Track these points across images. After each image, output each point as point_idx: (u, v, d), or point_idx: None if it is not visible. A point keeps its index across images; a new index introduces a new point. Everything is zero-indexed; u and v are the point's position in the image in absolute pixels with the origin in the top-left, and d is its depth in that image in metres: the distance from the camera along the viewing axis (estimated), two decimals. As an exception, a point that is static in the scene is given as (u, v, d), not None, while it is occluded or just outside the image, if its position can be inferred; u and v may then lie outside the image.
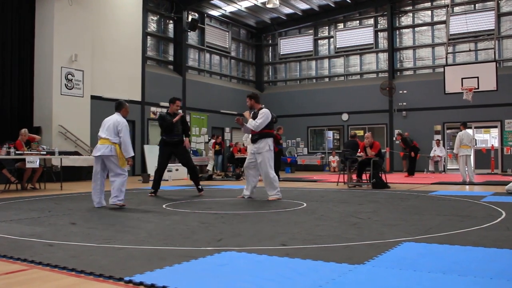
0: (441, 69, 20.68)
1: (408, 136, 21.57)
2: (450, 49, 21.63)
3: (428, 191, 10.77)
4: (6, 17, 15.95)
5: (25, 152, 11.45)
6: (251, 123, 8.76)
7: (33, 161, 10.98)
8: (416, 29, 23.58)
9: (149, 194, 9.63)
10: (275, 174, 8.90)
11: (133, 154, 7.73)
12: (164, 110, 21.91)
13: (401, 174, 19.28)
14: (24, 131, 12.24)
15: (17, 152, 11.21)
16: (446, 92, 18.25)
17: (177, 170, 16.78)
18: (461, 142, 13.88)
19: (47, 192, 10.94)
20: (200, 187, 9.94)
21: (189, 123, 21.48)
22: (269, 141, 8.85)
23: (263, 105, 9.16)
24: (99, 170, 7.77)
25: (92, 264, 3.62)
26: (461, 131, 14.12)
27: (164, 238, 4.75)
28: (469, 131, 16.59)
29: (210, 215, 6.66)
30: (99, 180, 7.76)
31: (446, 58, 19.56)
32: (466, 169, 13.80)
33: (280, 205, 7.92)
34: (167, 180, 15.83)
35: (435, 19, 23.10)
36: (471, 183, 13.42)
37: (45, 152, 12.40)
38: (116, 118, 7.73)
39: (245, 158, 17.66)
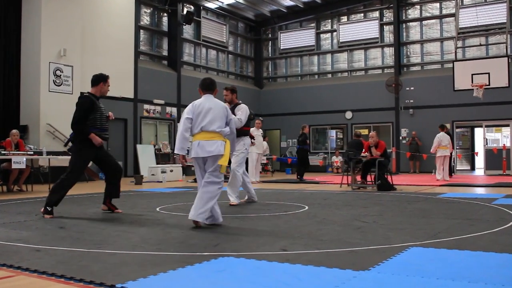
0: (450, 65, 20.68)
1: (415, 135, 21.62)
2: (459, 43, 21.65)
3: (436, 193, 10.77)
4: (-9, 10, 15.94)
5: (10, 152, 11.44)
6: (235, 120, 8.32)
7: (19, 161, 10.97)
8: (424, 22, 23.60)
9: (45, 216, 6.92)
10: (240, 177, 8.51)
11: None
12: (158, 109, 22.28)
13: (407, 176, 19.28)
14: (16, 131, 12.25)
15: (2, 152, 11.20)
16: (455, 89, 18.26)
17: (171, 171, 16.78)
18: (439, 143, 16.02)
19: (34, 194, 10.93)
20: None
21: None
22: (247, 141, 8.67)
23: (240, 101, 8.68)
24: (201, 174, 5.95)
25: (82, 271, 3.61)
26: (439, 132, 16.25)
27: (158, 243, 4.75)
28: (479, 130, 16.76)
29: (206, 218, 6.65)
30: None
31: (456, 53, 19.56)
32: (442, 168, 16.04)
33: (281, 208, 7.92)
34: (161, 181, 15.83)
35: (444, 11, 23.11)
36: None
37: (32, 152, 12.39)
38: (219, 102, 6.03)
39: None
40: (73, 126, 6.95)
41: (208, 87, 6.04)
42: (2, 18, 16.24)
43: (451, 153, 17.26)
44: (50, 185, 12.18)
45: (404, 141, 22.82)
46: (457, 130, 22.50)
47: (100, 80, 7.19)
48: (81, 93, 7.36)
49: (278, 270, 3.62)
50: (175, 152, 5.97)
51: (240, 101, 8.57)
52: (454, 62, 18.60)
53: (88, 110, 6.95)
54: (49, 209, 6.86)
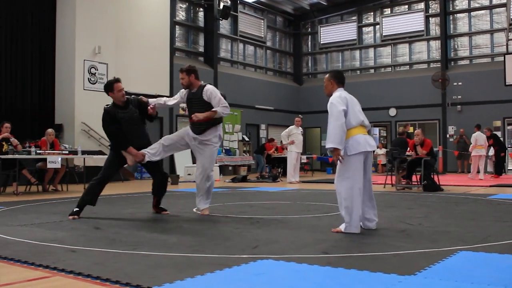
0: (501, 58, 20.28)
1: (463, 133, 21.26)
2: (511, 35, 21.16)
3: (487, 194, 10.58)
4: (26, 8, 16.32)
5: (46, 151, 11.68)
6: (219, 109, 6.85)
7: (54, 161, 11.19)
8: (472, 13, 23.15)
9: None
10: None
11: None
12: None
13: (455, 176, 18.97)
14: (51, 131, 12.51)
15: (37, 151, 11.45)
16: (506, 83, 17.93)
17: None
18: (475, 143, 16.53)
19: (69, 194, 11.14)
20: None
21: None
22: (221, 132, 7.20)
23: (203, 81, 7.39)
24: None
25: (118, 272, 3.66)
26: (475, 132, 16.83)
27: (195, 245, 4.78)
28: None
29: (244, 219, 6.68)
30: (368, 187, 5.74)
31: (507, 45, 19.17)
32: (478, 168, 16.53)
33: (322, 209, 7.89)
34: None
35: (494, 1, 22.63)
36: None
37: (67, 152, 12.64)
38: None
39: (283, 157, 17.80)
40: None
41: (344, 80, 5.92)
42: (37, 16, 16.63)
43: (496, 152, 17.42)
44: (85, 185, 12.43)
45: (451, 139, 22.44)
46: (509, 127, 21.99)
47: (107, 90, 6.90)
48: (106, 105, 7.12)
49: (319, 274, 3.61)
50: (334, 146, 5.32)
51: (203, 82, 7.32)
52: (505, 55, 18.23)
53: (109, 124, 6.81)
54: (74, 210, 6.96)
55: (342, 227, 5.40)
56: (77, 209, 6.86)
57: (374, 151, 6.16)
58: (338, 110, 5.41)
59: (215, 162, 6.88)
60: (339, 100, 5.50)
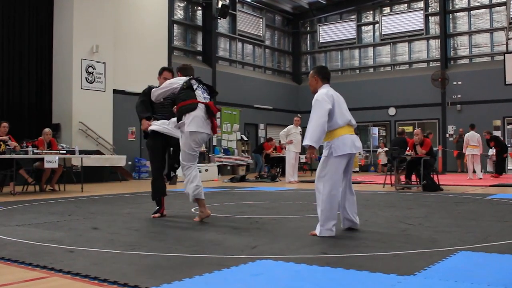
0: (501, 57, 20.30)
1: (462, 132, 21.27)
2: (511, 34, 21.18)
3: (486, 194, 10.58)
4: (23, 6, 16.31)
5: (43, 151, 11.68)
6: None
7: (52, 160, 11.19)
8: (472, 12, 23.17)
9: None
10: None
11: None
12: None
13: (455, 175, 18.99)
14: (48, 130, 12.51)
15: (35, 151, 11.45)
16: (506, 82, 17.94)
17: (206, 170, 16.89)
18: (467, 143, 16.78)
19: (67, 194, 11.15)
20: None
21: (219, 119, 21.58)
22: (189, 120, 6.44)
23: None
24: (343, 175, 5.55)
25: (116, 272, 3.67)
26: (469, 132, 17.03)
27: (193, 245, 4.79)
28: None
29: (243, 219, 6.69)
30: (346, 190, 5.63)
31: (507, 44, 19.19)
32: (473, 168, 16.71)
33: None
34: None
35: (494, 0, 22.64)
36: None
37: (64, 151, 12.63)
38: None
39: (282, 157, 17.80)
40: None
41: (329, 76, 5.68)
42: (34, 14, 16.60)
43: (497, 153, 17.50)
44: (83, 185, 12.45)
45: (451, 139, 22.46)
46: (509, 126, 22.01)
47: (160, 72, 7.22)
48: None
49: (318, 274, 3.61)
50: (309, 144, 5.25)
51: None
52: (505, 54, 18.25)
53: (141, 96, 7.16)
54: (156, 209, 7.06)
55: (317, 231, 5.25)
56: (158, 207, 7.04)
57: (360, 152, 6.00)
58: (323, 108, 5.23)
59: (191, 154, 6.43)
60: (325, 98, 5.31)
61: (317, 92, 5.48)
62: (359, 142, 5.51)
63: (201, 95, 6.43)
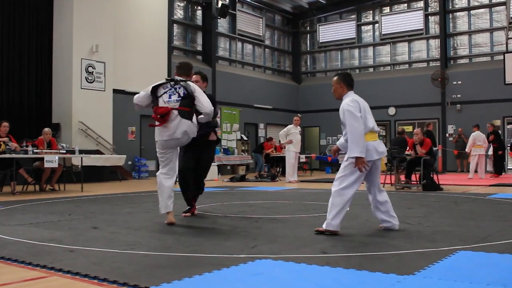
0: (501, 57, 20.29)
1: (461, 132, 21.29)
2: (510, 34, 21.18)
3: (486, 193, 10.58)
4: (23, 6, 16.29)
5: (43, 151, 11.68)
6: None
7: (52, 160, 11.19)
8: (472, 12, 23.15)
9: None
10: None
11: None
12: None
13: (454, 175, 18.99)
14: (48, 130, 12.51)
15: (35, 151, 11.45)
16: (506, 82, 17.93)
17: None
18: (474, 142, 16.69)
19: (67, 194, 11.15)
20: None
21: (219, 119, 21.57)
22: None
23: None
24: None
25: (116, 272, 3.67)
26: (474, 132, 17.01)
27: (193, 245, 4.79)
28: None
29: (243, 219, 6.69)
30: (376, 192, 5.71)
31: (507, 44, 19.19)
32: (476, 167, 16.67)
33: (321, 208, 7.88)
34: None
35: (494, 0, 22.63)
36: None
37: (64, 151, 12.63)
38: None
39: (282, 157, 17.80)
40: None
41: (353, 83, 5.74)
42: (34, 14, 16.59)
43: (494, 149, 17.46)
44: (83, 185, 12.45)
45: (450, 139, 22.46)
46: (509, 126, 22.00)
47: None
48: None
49: (318, 274, 3.61)
50: (356, 155, 5.24)
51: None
52: (505, 54, 18.25)
53: None
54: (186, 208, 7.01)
55: (324, 225, 5.32)
56: (188, 207, 7.01)
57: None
58: (357, 116, 5.36)
59: (160, 157, 6.33)
60: (354, 106, 5.45)
61: (341, 98, 5.63)
62: (382, 147, 5.58)
63: (165, 100, 6.10)
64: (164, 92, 6.15)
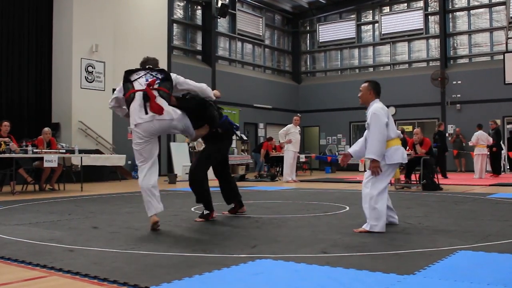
0: (501, 57, 20.29)
1: (459, 132, 21.29)
2: (510, 33, 21.18)
3: (486, 193, 10.57)
4: (23, 6, 16.29)
5: (42, 150, 11.68)
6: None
7: (51, 160, 11.19)
8: (472, 11, 23.16)
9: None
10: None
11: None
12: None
13: (454, 175, 18.98)
14: (48, 129, 12.51)
15: (34, 150, 11.44)
16: (506, 82, 17.92)
17: (206, 170, 16.84)
18: (477, 141, 16.65)
19: (66, 194, 11.14)
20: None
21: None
22: None
23: None
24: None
25: (116, 272, 3.67)
26: (477, 131, 16.86)
27: (193, 244, 4.79)
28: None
29: (243, 219, 6.69)
30: None
31: (506, 43, 19.18)
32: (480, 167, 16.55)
33: (321, 208, 7.89)
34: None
35: (494, 0, 22.63)
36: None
37: (64, 151, 12.63)
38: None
39: (281, 156, 17.77)
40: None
41: (380, 92, 6.02)
42: (33, 14, 16.59)
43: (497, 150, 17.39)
44: (82, 185, 12.44)
45: (449, 138, 22.45)
46: (508, 126, 22.00)
47: None
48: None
49: (318, 274, 3.60)
50: (373, 157, 5.55)
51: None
52: (505, 54, 18.24)
53: None
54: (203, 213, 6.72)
55: (367, 227, 5.46)
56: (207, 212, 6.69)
57: None
58: (383, 121, 5.60)
59: (136, 150, 5.83)
60: (383, 112, 5.69)
61: (367, 104, 5.93)
62: (406, 153, 5.90)
63: (142, 82, 5.81)
64: (140, 76, 5.90)
